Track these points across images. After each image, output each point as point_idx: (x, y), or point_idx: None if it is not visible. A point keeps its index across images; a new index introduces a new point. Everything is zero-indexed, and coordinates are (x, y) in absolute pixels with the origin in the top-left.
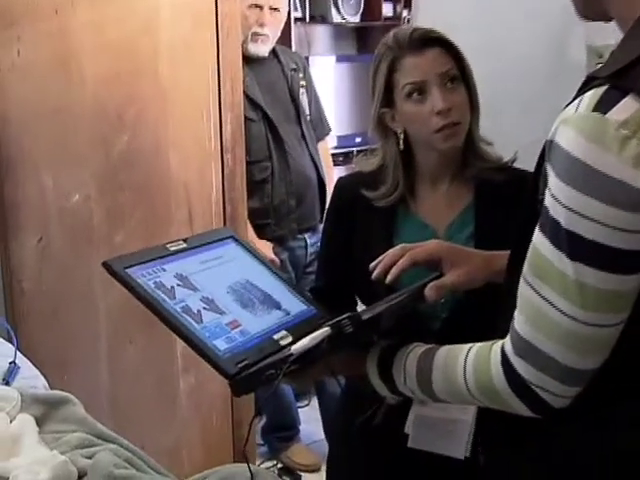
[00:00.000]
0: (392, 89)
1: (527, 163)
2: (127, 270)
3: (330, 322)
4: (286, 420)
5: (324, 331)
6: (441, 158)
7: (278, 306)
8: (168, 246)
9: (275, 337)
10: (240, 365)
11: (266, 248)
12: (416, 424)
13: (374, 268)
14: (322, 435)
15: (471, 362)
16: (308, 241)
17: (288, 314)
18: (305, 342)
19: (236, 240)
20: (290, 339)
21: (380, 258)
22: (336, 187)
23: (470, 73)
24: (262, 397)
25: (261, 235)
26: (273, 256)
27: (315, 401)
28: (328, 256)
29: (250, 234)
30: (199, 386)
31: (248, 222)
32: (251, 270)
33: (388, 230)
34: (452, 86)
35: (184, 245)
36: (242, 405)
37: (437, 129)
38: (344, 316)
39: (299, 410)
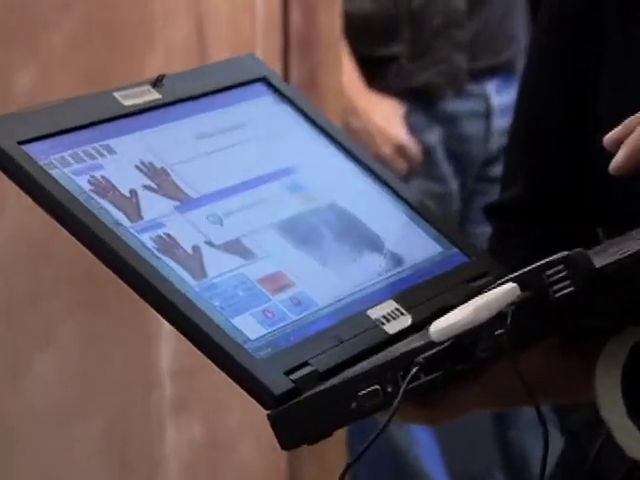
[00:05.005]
0: None
1: None
2: (25, 147)
3: (515, 275)
4: None
5: (506, 291)
6: None
7: (377, 245)
8: (120, 96)
9: (371, 313)
10: (294, 375)
11: (389, 114)
12: None
13: (614, 145)
14: None
15: None
16: (494, 100)
17: (400, 263)
18: (464, 316)
19: (275, 87)
20: (408, 320)
21: (628, 122)
22: None
23: None
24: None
25: (378, 82)
26: (400, 134)
27: None
28: (536, 124)
29: (349, 78)
30: (212, 444)
31: (347, 50)
32: (317, 160)
33: None
34: None
35: (156, 96)
36: None
37: None
38: (551, 259)
39: None
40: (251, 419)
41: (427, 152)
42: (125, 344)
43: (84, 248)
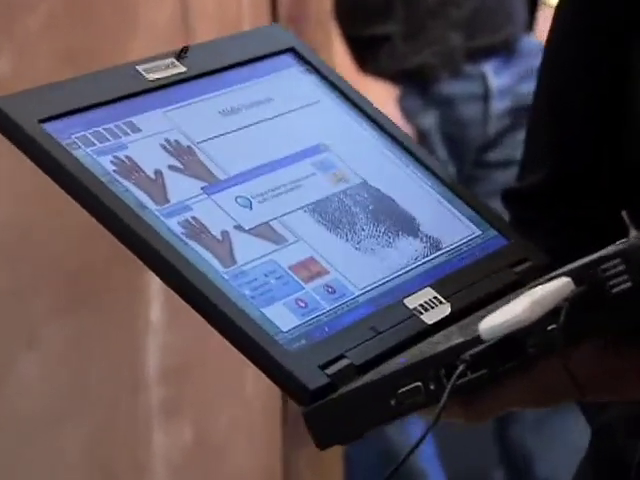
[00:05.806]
0: None
1: None
2: (45, 126)
3: (569, 268)
4: None
5: (560, 286)
6: None
7: (413, 228)
8: (143, 70)
9: (408, 302)
10: (330, 370)
11: (382, 98)
12: None
13: None
14: None
15: None
16: (492, 82)
17: (437, 247)
18: (516, 314)
19: (303, 58)
20: (446, 309)
21: None
22: None
23: None
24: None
25: (371, 66)
26: (394, 118)
27: None
28: (560, 101)
29: (341, 60)
30: (203, 447)
31: (338, 30)
32: (348, 136)
33: None
34: None
35: (181, 69)
36: None
37: None
38: (607, 252)
39: None
40: (244, 420)
41: (422, 137)
42: (111, 344)
43: (67, 246)
